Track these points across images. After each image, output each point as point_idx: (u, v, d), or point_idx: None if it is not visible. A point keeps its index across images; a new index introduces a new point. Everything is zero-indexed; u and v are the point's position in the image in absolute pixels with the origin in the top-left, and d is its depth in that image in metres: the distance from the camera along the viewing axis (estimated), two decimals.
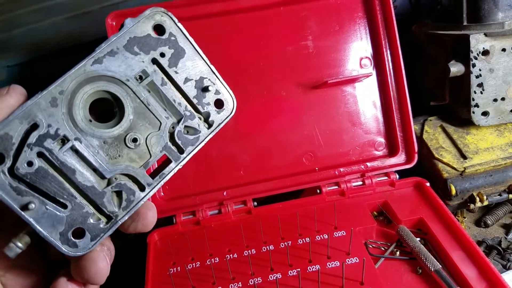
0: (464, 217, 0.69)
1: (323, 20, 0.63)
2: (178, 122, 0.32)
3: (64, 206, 0.29)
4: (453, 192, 0.61)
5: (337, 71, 0.64)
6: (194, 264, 0.54)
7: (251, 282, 0.50)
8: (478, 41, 0.63)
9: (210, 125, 0.34)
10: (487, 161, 0.63)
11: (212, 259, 0.54)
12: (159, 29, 0.32)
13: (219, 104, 0.34)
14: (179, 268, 0.54)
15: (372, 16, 0.64)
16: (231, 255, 0.55)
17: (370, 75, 0.64)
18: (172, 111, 0.32)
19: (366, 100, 0.66)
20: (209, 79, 0.33)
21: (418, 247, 0.53)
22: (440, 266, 0.50)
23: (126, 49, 0.30)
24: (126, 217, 0.30)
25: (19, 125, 0.27)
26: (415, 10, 0.77)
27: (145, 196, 0.31)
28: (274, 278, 0.50)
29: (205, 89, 0.33)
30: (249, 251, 0.55)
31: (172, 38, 0.32)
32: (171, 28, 0.32)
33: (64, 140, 0.28)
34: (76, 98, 0.29)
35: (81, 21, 0.74)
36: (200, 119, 0.33)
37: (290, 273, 0.51)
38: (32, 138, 0.27)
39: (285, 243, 0.55)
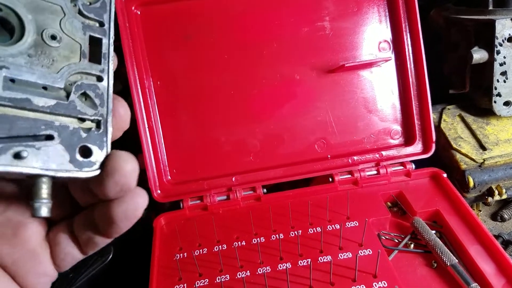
0: (480, 211, 0.67)
1: (341, 0, 0.60)
2: None
3: (51, 137, 0.25)
4: (471, 184, 0.59)
5: (354, 55, 0.61)
6: (201, 250, 0.52)
7: (260, 271, 0.48)
8: (504, 27, 0.59)
9: None
10: (508, 153, 0.60)
11: (220, 246, 0.53)
12: None
13: None
14: (185, 254, 0.52)
15: None
16: (239, 242, 0.53)
17: (389, 60, 0.61)
18: None
19: (383, 86, 0.62)
20: None
21: (433, 240, 0.51)
22: (457, 260, 0.48)
23: None
24: (110, 108, 0.28)
25: None
26: None
27: (108, 83, 0.29)
28: (284, 267, 0.48)
29: None
30: (258, 239, 0.53)
31: None
32: None
33: None
34: None
35: None
36: None
37: (300, 263, 0.49)
38: None
39: (295, 232, 0.53)
